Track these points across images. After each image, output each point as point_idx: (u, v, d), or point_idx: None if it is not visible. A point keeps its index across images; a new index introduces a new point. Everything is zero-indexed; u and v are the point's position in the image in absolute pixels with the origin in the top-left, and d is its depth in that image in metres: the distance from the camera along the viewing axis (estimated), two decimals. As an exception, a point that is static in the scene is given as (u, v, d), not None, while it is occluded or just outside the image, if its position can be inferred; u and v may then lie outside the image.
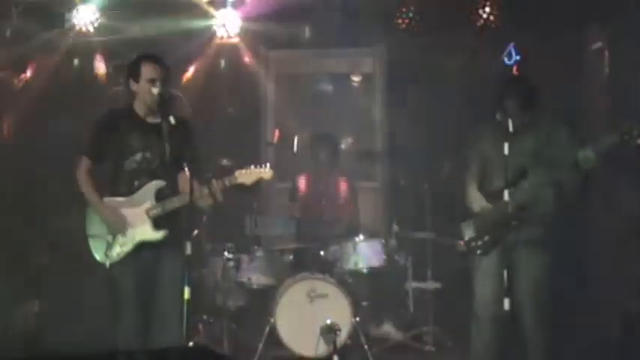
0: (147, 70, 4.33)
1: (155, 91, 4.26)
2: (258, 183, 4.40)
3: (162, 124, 4.26)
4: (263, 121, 7.45)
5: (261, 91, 7.42)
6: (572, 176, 4.31)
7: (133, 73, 4.37)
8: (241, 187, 4.36)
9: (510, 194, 4.25)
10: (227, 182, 4.31)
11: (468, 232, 4.59)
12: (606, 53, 5.87)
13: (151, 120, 4.40)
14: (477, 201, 4.57)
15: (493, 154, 4.53)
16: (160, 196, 4.36)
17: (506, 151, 4.17)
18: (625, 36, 5.46)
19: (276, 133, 7.03)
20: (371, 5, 6.52)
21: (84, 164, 4.42)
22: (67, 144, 5.26)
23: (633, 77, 5.36)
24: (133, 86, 4.39)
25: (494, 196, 4.48)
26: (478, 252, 4.53)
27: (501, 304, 4.13)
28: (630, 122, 4.14)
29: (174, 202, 4.32)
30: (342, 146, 6.99)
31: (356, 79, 7.75)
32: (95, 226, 4.39)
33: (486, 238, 4.49)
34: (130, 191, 4.37)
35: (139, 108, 4.42)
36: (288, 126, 7.23)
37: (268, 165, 4.37)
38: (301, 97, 7.63)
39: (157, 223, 4.34)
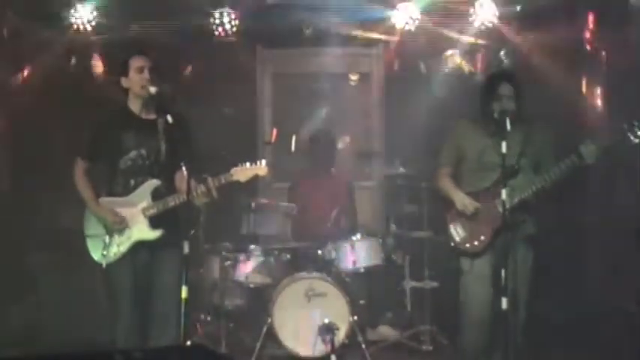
0: (134, 61, 4.36)
1: (145, 79, 4.27)
2: (254, 180, 4.40)
3: (157, 121, 4.27)
4: (260, 121, 7.44)
5: (258, 90, 7.41)
6: (556, 175, 4.33)
7: (122, 68, 4.39)
8: (237, 184, 4.37)
9: (500, 193, 4.27)
10: (223, 180, 4.32)
11: (459, 234, 4.53)
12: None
13: (145, 116, 4.40)
14: (468, 202, 4.49)
15: (474, 153, 4.53)
16: (156, 195, 4.36)
17: (504, 149, 4.18)
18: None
19: (274, 132, 7.03)
20: (369, 4, 6.52)
21: (80, 166, 4.43)
22: (64, 142, 5.26)
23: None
24: (125, 82, 4.39)
25: (480, 197, 4.47)
26: (473, 253, 4.48)
27: (498, 303, 4.13)
28: (631, 119, 4.19)
29: (170, 201, 4.31)
30: (340, 145, 6.99)
31: (353, 78, 7.76)
32: (93, 227, 4.39)
33: (482, 238, 4.48)
34: (125, 191, 4.36)
35: (134, 105, 4.42)
36: (286, 125, 7.23)
37: (264, 161, 4.38)
38: (299, 96, 7.62)
39: (154, 222, 4.34)
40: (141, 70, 4.34)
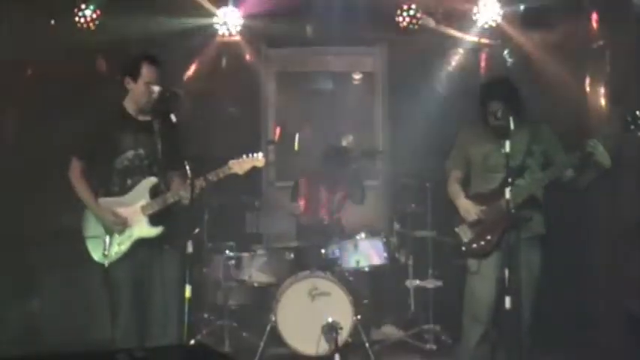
0: (147, 72, 4.30)
1: (153, 93, 4.26)
2: (251, 171, 4.40)
3: (153, 121, 4.26)
4: (264, 120, 7.44)
5: (261, 89, 7.41)
6: (565, 171, 4.32)
7: (132, 71, 4.33)
8: (240, 180, 4.37)
9: (504, 194, 4.26)
10: (221, 173, 4.32)
11: (466, 235, 4.54)
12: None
13: (142, 117, 4.38)
14: (471, 209, 4.50)
15: (479, 157, 4.54)
16: (154, 193, 4.34)
17: (507, 149, 4.16)
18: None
19: (277, 131, 7.03)
20: (372, 3, 6.51)
21: (76, 166, 4.37)
22: (65, 142, 5.24)
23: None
24: (129, 84, 4.36)
25: (487, 198, 4.47)
26: (481, 253, 4.47)
27: (502, 304, 4.12)
28: (632, 110, 4.12)
29: (169, 198, 4.30)
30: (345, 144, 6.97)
31: (357, 77, 7.75)
32: (92, 227, 4.36)
33: (489, 237, 4.47)
34: (123, 190, 4.34)
35: (131, 106, 4.39)
36: (290, 124, 7.23)
37: (261, 153, 4.38)
38: (302, 95, 7.62)
39: (154, 220, 4.32)
40: (150, 83, 4.30)
